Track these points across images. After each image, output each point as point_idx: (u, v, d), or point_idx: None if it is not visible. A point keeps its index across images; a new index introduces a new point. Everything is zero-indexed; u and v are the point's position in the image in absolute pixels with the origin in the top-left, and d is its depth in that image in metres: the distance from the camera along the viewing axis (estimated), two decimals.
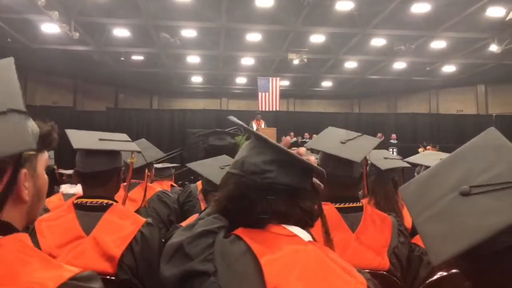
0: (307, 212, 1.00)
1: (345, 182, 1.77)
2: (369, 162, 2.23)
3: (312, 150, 3.24)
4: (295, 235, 0.98)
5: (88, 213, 1.65)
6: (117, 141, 1.83)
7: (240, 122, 1.12)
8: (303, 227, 1.01)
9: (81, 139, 1.74)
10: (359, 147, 1.81)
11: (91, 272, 0.79)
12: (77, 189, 2.65)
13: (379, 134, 13.53)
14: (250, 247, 0.92)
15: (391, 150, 11.36)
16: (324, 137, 1.94)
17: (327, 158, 1.79)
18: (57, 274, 0.74)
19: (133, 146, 1.93)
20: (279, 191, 0.98)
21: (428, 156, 2.34)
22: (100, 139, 1.77)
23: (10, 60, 0.85)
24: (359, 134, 1.91)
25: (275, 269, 0.88)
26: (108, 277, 1.53)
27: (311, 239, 1.00)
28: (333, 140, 1.83)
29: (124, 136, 1.94)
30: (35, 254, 0.77)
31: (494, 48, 13.06)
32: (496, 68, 15.93)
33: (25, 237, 0.78)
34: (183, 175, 9.27)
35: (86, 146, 1.70)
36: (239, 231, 0.98)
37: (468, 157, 0.89)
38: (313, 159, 2.60)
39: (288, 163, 0.97)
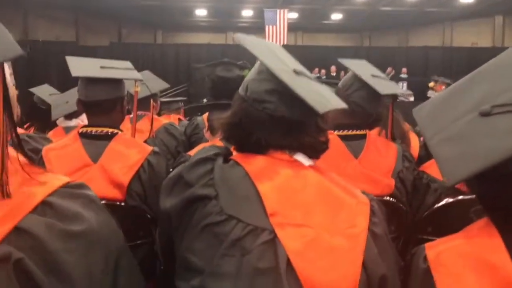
0: (307, 146, 0.96)
1: (356, 112, 1.75)
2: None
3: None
4: (295, 160, 0.95)
5: (94, 141, 1.64)
6: (119, 69, 1.77)
7: (247, 43, 1.02)
8: (308, 156, 0.99)
9: (82, 66, 1.69)
10: (387, 84, 1.82)
11: (80, 182, 0.77)
12: (77, 121, 2.63)
13: (389, 69, 13.17)
14: (247, 172, 0.90)
15: (401, 84, 11.12)
16: (359, 63, 1.94)
17: (352, 81, 1.78)
18: (48, 183, 0.72)
19: (136, 74, 1.88)
20: (277, 123, 0.94)
21: None
22: (102, 67, 1.71)
23: None
24: (387, 78, 1.99)
25: (274, 195, 0.88)
26: (117, 203, 1.56)
27: (312, 163, 0.98)
28: (365, 70, 1.82)
29: (127, 64, 1.89)
30: (22, 164, 0.72)
31: None
32: None
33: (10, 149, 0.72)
34: (190, 111, 9.23)
35: (87, 73, 1.65)
36: (237, 157, 0.97)
37: (489, 76, 0.83)
38: None
39: (289, 95, 0.91)
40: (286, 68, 0.96)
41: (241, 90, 1.00)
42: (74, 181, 0.75)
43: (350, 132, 1.75)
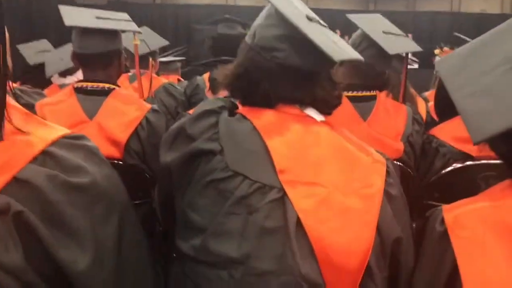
0: (319, 100, 0.89)
1: (364, 71, 1.67)
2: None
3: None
4: (307, 116, 0.89)
5: (90, 97, 1.57)
6: (117, 20, 1.67)
7: None
8: (319, 111, 0.92)
9: (76, 16, 1.59)
10: (397, 43, 1.73)
11: (81, 133, 0.73)
12: (73, 79, 2.55)
13: None
14: (255, 126, 0.84)
15: None
16: (370, 18, 1.85)
17: (361, 39, 1.71)
18: (47, 132, 0.67)
19: (134, 26, 1.78)
20: (287, 74, 0.87)
21: None
22: (98, 17, 1.61)
23: None
24: (404, 34, 1.85)
25: (283, 151, 0.82)
26: (115, 161, 1.50)
27: (324, 119, 0.91)
28: (377, 26, 1.73)
29: (125, 16, 1.78)
30: (21, 111, 0.68)
31: None
32: None
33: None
34: (189, 74, 9.07)
35: (81, 23, 1.55)
36: (244, 110, 0.90)
37: None
38: None
39: (302, 42, 0.83)
40: (298, 12, 0.87)
41: (247, 38, 0.93)
42: (73, 133, 0.71)
43: (359, 93, 1.68)
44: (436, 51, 11.83)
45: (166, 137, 0.92)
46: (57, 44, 3.05)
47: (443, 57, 0.86)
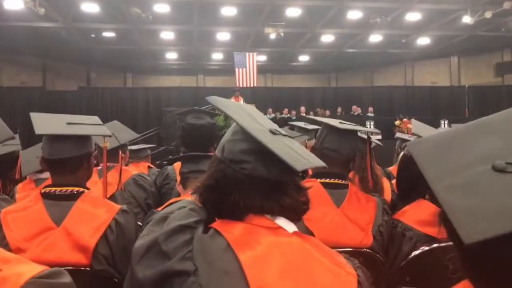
0: (287, 208, 0.93)
1: (333, 158, 1.78)
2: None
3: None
4: (278, 227, 0.91)
5: (58, 202, 1.55)
6: (86, 124, 1.72)
7: (221, 105, 1.01)
8: (289, 219, 0.95)
9: (46, 123, 1.62)
10: (353, 127, 1.90)
11: (57, 268, 0.73)
12: (48, 174, 2.51)
13: (354, 107, 13.64)
14: (229, 243, 0.86)
15: (368, 123, 11.48)
16: (328, 119, 2.03)
17: (322, 129, 1.88)
18: (20, 271, 0.66)
19: (104, 130, 1.82)
20: (255, 184, 0.91)
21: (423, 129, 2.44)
22: (68, 123, 1.65)
23: None
24: (360, 126, 2.05)
25: (257, 267, 0.83)
26: (82, 268, 1.46)
27: (296, 229, 0.94)
28: (334, 121, 1.90)
29: (95, 119, 1.83)
30: None
31: (467, 19, 13.15)
32: (468, 39, 16.12)
33: None
34: (161, 155, 9.13)
35: (51, 131, 1.58)
36: (217, 224, 0.92)
37: (502, 128, 0.78)
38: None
39: (267, 155, 0.88)
40: (262, 127, 0.95)
41: (217, 152, 0.98)
42: (47, 269, 0.70)
43: (332, 181, 1.77)
44: (397, 122, 12.43)
45: (138, 249, 0.90)
46: (24, 134, 3.01)
47: (416, 141, 0.84)
